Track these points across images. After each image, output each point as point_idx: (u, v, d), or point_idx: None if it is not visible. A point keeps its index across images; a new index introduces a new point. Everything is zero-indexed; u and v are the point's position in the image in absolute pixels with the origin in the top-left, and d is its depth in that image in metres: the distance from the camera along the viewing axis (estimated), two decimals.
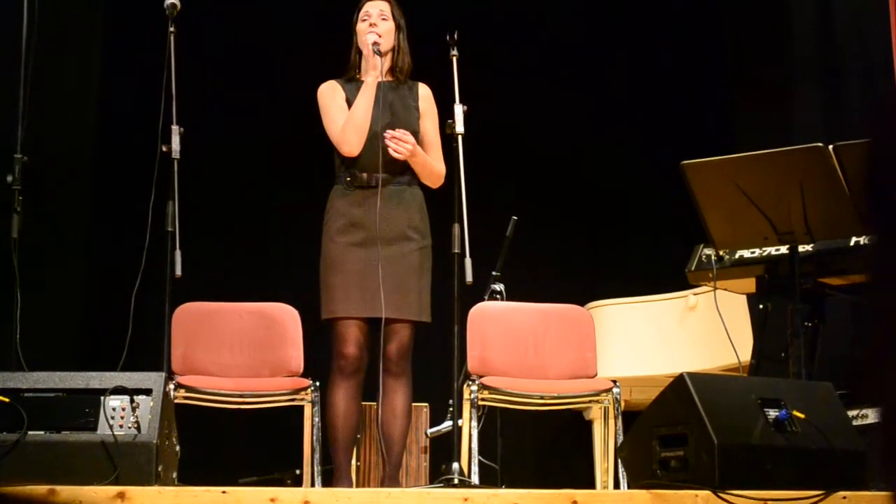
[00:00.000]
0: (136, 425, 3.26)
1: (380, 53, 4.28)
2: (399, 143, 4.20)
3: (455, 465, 3.83)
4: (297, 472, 4.59)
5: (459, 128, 4.09)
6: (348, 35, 4.43)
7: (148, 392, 3.33)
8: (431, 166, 4.31)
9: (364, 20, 4.35)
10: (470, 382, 4.25)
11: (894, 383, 1.05)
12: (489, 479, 4.66)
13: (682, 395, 3.32)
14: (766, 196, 4.14)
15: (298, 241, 5.09)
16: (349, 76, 4.40)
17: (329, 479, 4.22)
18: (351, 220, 4.23)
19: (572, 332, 4.57)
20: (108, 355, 4.18)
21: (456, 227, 4.00)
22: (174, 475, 3.45)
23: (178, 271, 4.11)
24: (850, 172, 3.96)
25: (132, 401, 3.29)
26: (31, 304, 4.42)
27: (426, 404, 5.13)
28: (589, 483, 5.01)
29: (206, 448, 5.39)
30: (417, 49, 4.42)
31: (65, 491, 3.00)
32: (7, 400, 3.27)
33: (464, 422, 4.16)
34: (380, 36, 4.31)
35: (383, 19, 4.34)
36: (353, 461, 4.63)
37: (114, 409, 3.28)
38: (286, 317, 4.49)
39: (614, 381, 4.39)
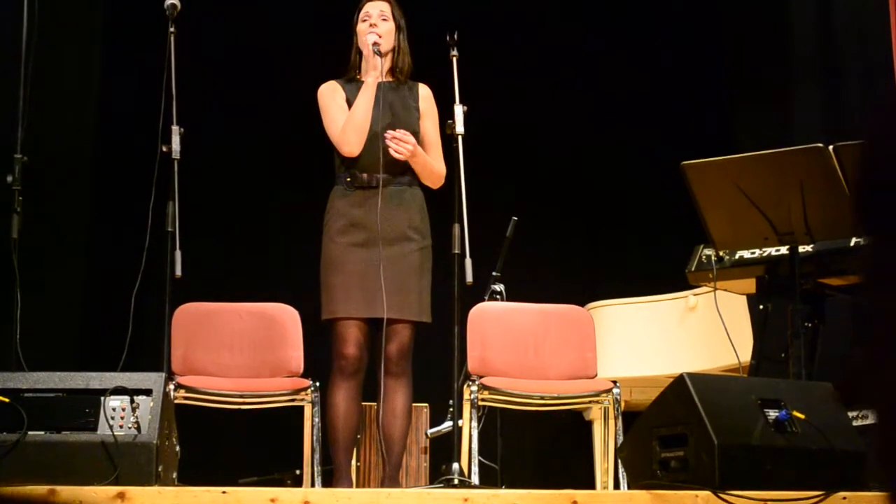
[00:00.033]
0: (136, 425, 3.26)
1: (380, 54, 4.28)
2: (399, 144, 4.20)
3: (455, 466, 3.83)
4: (297, 472, 4.59)
5: (459, 128, 4.09)
6: (348, 35, 4.43)
7: (148, 392, 3.33)
8: (432, 166, 4.31)
9: (364, 20, 4.35)
10: (470, 383, 4.25)
11: (891, 384, 1.05)
12: (489, 479, 4.66)
13: (682, 396, 3.32)
14: (766, 196, 4.14)
15: (298, 241, 5.09)
16: (349, 77, 4.40)
17: (329, 480, 4.22)
18: (351, 220, 4.23)
19: (572, 333, 4.57)
20: (108, 355, 4.18)
21: (456, 227, 4.00)
22: (174, 475, 3.45)
23: (178, 272, 4.11)
24: (851, 173, 3.96)
25: (132, 401, 3.29)
26: (31, 304, 4.42)
27: (426, 405, 5.13)
28: (589, 483, 5.01)
29: (206, 448, 5.39)
30: (417, 49, 4.42)
31: (65, 491, 3.00)
32: (7, 400, 3.27)
33: (464, 422, 4.16)
34: (380, 36, 4.31)
35: (384, 20, 4.34)
36: (354, 461, 4.63)
37: (114, 410, 3.28)
38: (286, 317, 4.49)
39: (614, 382, 4.39)
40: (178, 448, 3.53)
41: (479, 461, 4.18)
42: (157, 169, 4.20)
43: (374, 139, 4.23)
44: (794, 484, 3.19)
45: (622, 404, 4.37)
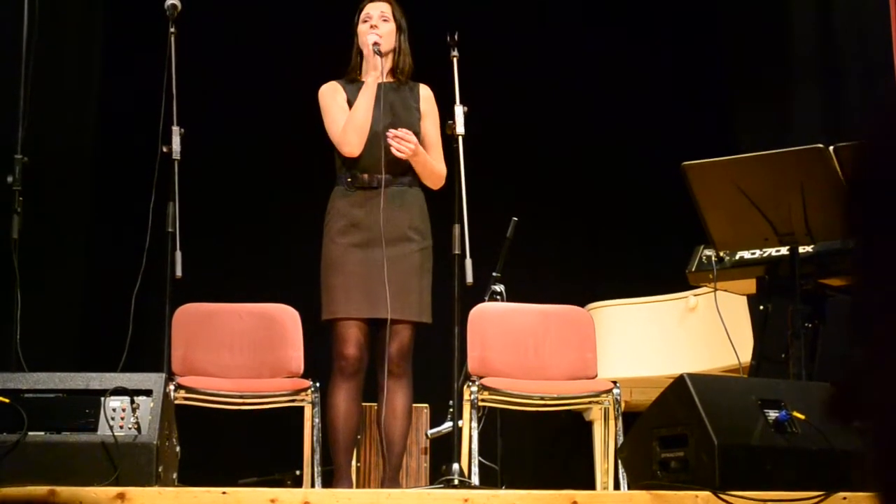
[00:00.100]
0: (136, 426, 3.26)
1: (380, 53, 4.28)
2: (401, 143, 4.20)
3: (455, 466, 3.83)
4: (298, 472, 4.59)
5: (460, 128, 4.09)
6: (349, 36, 4.43)
7: (148, 393, 3.33)
8: (432, 166, 4.31)
9: (365, 21, 4.35)
10: (470, 383, 4.25)
11: (887, 386, 1.05)
12: (489, 479, 4.66)
13: (682, 396, 3.32)
14: (766, 197, 4.13)
15: (298, 242, 5.09)
16: (350, 77, 4.39)
17: (329, 480, 4.22)
18: (352, 220, 4.23)
19: (572, 333, 4.57)
20: (109, 356, 4.18)
21: (456, 227, 4.00)
22: (174, 476, 3.45)
23: (179, 272, 4.11)
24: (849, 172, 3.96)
25: (132, 401, 3.29)
26: (31, 305, 4.42)
27: (426, 405, 5.13)
28: (589, 484, 5.01)
29: (206, 449, 5.39)
30: (418, 50, 4.42)
31: (65, 492, 3.00)
32: (7, 401, 3.27)
33: (464, 423, 4.16)
34: (380, 36, 4.31)
35: (384, 20, 4.34)
36: (354, 462, 4.63)
37: (114, 410, 3.28)
38: (286, 317, 4.49)
39: (614, 382, 4.39)
40: (178, 448, 3.53)
41: (479, 462, 4.18)
42: (158, 169, 4.20)
43: (375, 139, 4.23)
44: (794, 484, 3.19)
45: (622, 405, 4.37)
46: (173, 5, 4.31)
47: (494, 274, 5.07)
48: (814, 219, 4.11)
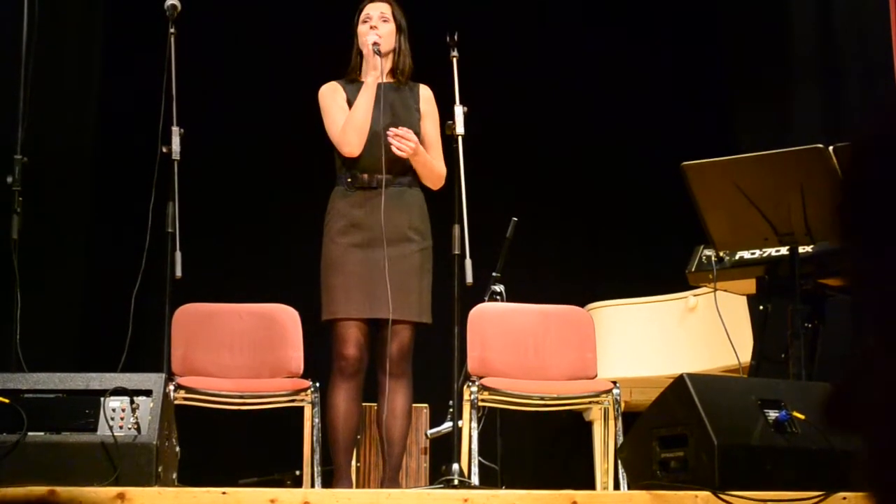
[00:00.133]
0: (136, 426, 3.26)
1: (380, 53, 4.28)
2: (402, 141, 4.20)
3: (455, 466, 3.83)
4: (297, 472, 4.59)
5: (459, 129, 4.09)
6: (348, 36, 4.43)
7: (148, 393, 3.33)
8: (432, 165, 4.31)
9: (365, 22, 4.35)
10: (470, 383, 4.25)
11: (885, 387, 1.05)
12: (489, 479, 4.66)
13: (682, 396, 3.32)
14: (766, 197, 4.13)
15: (298, 242, 5.09)
16: (350, 77, 4.39)
17: (329, 480, 4.22)
18: (352, 221, 4.23)
19: (572, 333, 4.57)
20: (108, 356, 4.18)
21: (456, 228, 4.00)
22: (174, 476, 3.45)
23: (179, 272, 4.11)
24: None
25: (132, 402, 3.30)
26: (31, 305, 4.42)
27: (426, 405, 5.13)
28: (589, 484, 5.01)
29: (206, 449, 5.39)
30: (418, 50, 4.42)
31: (65, 492, 3.00)
32: (7, 401, 3.27)
33: (464, 423, 4.16)
34: (380, 37, 4.31)
35: (384, 21, 4.34)
36: (354, 462, 4.63)
37: (114, 410, 3.28)
38: (286, 318, 4.49)
39: (614, 382, 4.39)
40: (177, 448, 3.53)
41: (479, 462, 4.18)
42: (157, 169, 4.20)
43: (375, 140, 4.23)
44: (794, 484, 3.19)
45: (622, 405, 4.37)
46: (173, 5, 4.31)
47: (494, 274, 5.07)
48: (813, 219, 4.11)
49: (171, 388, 3.87)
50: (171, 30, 4.29)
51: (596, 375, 4.52)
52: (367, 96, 4.26)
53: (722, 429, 3.22)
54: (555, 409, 4.52)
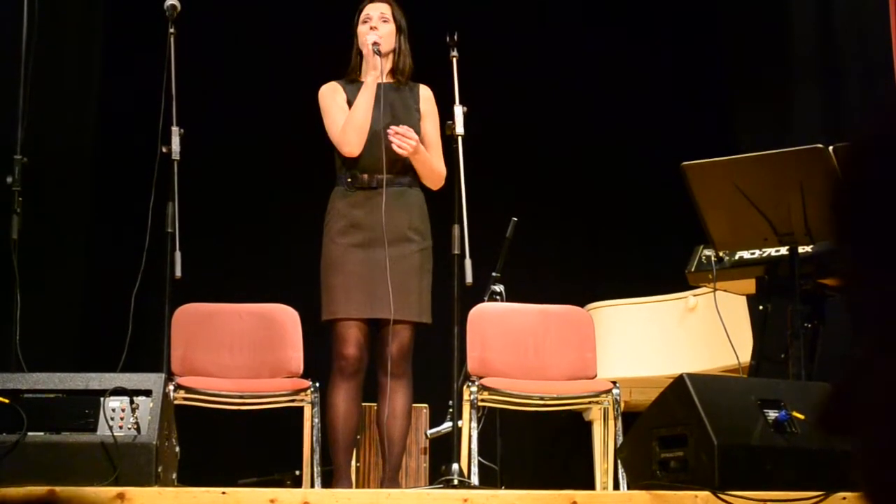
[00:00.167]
0: (135, 426, 3.26)
1: (379, 53, 4.28)
2: (402, 139, 4.20)
3: (455, 466, 3.83)
4: (297, 472, 4.60)
5: (459, 129, 4.09)
6: (348, 36, 4.43)
7: (148, 393, 3.33)
8: (433, 164, 4.31)
9: (365, 22, 4.35)
10: (470, 383, 4.25)
11: (883, 388, 1.05)
12: (489, 479, 4.66)
13: (681, 396, 3.32)
14: (766, 197, 4.13)
15: (298, 242, 5.09)
16: (350, 78, 4.39)
17: (329, 480, 4.22)
18: (352, 221, 4.23)
19: (572, 333, 4.57)
20: (108, 356, 4.19)
21: (456, 228, 4.00)
22: (174, 476, 3.45)
23: (178, 272, 4.11)
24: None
25: (132, 402, 3.30)
26: (31, 305, 4.42)
27: (426, 405, 5.13)
28: (589, 484, 5.01)
29: (205, 449, 5.39)
30: (417, 50, 4.42)
31: (65, 492, 3.00)
32: (7, 401, 3.27)
33: (463, 423, 4.16)
34: (380, 37, 4.31)
35: (384, 21, 4.34)
36: (353, 462, 4.63)
37: (113, 410, 3.28)
38: (286, 318, 4.49)
39: (614, 382, 4.39)
40: (177, 448, 3.53)
41: (479, 462, 4.18)
42: (157, 169, 4.21)
43: (375, 140, 4.23)
44: (794, 484, 3.19)
45: (622, 405, 4.37)
46: (173, 6, 4.31)
47: (494, 274, 5.07)
48: (813, 219, 4.11)
49: (171, 388, 3.87)
50: (171, 30, 4.29)
51: (596, 375, 4.52)
52: (366, 96, 4.26)
53: (722, 429, 3.22)
54: (554, 409, 4.52)
